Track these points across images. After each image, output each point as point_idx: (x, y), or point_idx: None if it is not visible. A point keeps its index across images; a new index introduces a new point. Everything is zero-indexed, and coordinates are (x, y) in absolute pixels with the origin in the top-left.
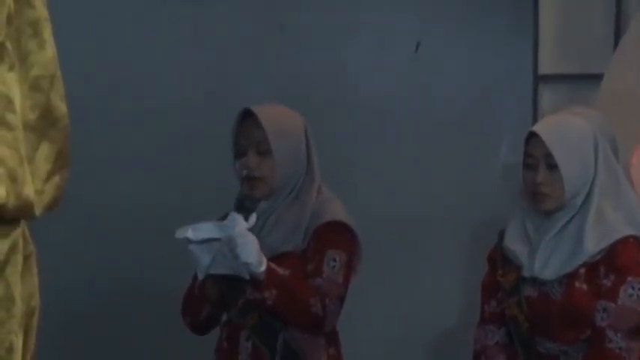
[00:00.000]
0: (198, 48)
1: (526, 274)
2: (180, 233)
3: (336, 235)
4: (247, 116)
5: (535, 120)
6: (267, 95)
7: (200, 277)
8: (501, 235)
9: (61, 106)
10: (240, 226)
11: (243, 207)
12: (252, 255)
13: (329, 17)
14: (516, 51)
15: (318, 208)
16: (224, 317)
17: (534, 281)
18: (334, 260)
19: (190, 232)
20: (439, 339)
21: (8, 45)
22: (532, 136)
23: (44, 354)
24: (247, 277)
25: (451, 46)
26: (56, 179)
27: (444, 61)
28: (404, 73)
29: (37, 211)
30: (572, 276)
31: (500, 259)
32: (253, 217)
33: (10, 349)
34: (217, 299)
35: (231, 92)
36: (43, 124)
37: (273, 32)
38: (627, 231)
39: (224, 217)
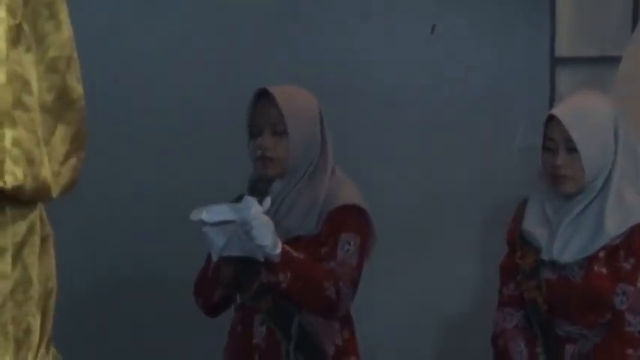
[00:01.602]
0: (209, 34)
1: (545, 257)
2: (194, 215)
3: (350, 219)
4: (263, 96)
5: (552, 103)
6: (278, 82)
7: (214, 258)
8: (516, 217)
9: (77, 88)
10: (255, 208)
11: (257, 190)
12: (268, 237)
13: (341, 0)
14: (533, 33)
15: (333, 190)
16: (237, 301)
17: (553, 264)
18: (348, 244)
19: (205, 214)
20: (455, 322)
21: (25, 27)
22: (551, 119)
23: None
24: (262, 259)
25: (466, 28)
26: (73, 161)
27: (459, 45)
28: (417, 57)
29: (54, 192)
30: (591, 259)
31: (519, 242)
32: (268, 201)
33: (28, 331)
34: (231, 281)
35: (242, 79)
36: (60, 105)
37: (285, 17)
38: None
39: (237, 200)
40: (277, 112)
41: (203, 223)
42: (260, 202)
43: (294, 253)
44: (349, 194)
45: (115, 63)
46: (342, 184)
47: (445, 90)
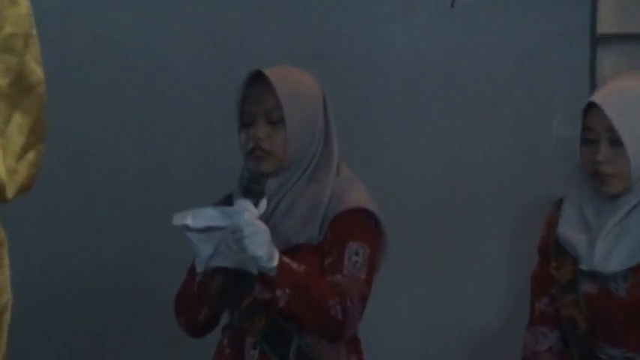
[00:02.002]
0: (195, 4)
1: (584, 267)
2: (178, 219)
3: (358, 225)
4: (256, 80)
5: (593, 87)
6: (280, 56)
7: (199, 269)
8: (549, 221)
9: (36, 71)
10: (248, 213)
11: (251, 192)
12: (262, 247)
13: None
14: (572, 6)
15: (338, 191)
16: (225, 319)
17: (594, 275)
18: (356, 254)
19: (190, 219)
20: (479, 343)
21: None
22: (591, 107)
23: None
24: (256, 272)
25: (492, 0)
26: (31, 156)
27: (486, 18)
28: (439, 32)
29: (10, 193)
30: (638, 270)
31: (553, 250)
32: (263, 204)
33: None
34: (218, 297)
35: (233, 57)
36: (16, 91)
37: None
38: None
39: (225, 201)
40: (273, 98)
41: (187, 228)
42: (255, 205)
43: (294, 265)
44: (357, 196)
45: (93, 33)
46: (349, 183)
47: (469, 70)
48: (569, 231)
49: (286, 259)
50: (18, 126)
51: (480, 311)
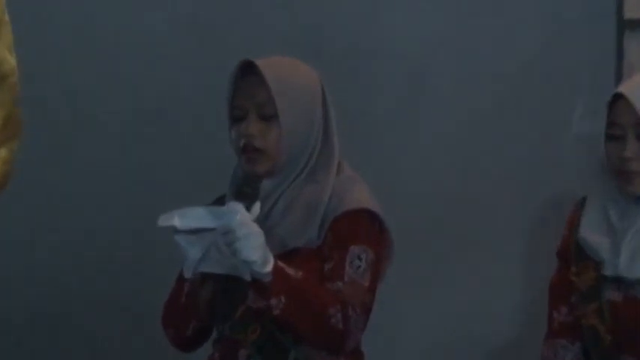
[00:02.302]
0: None
1: (608, 272)
2: (164, 220)
3: (360, 227)
4: (247, 71)
5: (619, 77)
6: (275, 46)
7: (187, 274)
8: (571, 222)
9: (8, 59)
10: (241, 214)
11: (243, 194)
12: (256, 251)
13: None
14: None
15: (338, 191)
16: (217, 330)
17: (619, 282)
18: (359, 259)
19: (177, 220)
20: (492, 356)
21: None
22: (618, 99)
23: None
24: (249, 278)
25: None
26: (3, 152)
27: (501, 3)
28: (447, 19)
29: None
30: None
31: (574, 254)
32: (257, 207)
33: None
34: (208, 307)
35: (226, 48)
36: None
37: None
38: None
39: (217, 203)
40: (265, 91)
41: (175, 230)
42: (248, 209)
43: (290, 271)
44: (359, 196)
45: (71, 32)
46: (351, 182)
47: (483, 59)
48: (592, 234)
49: (282, 265)
50: None
51: (492, 321)
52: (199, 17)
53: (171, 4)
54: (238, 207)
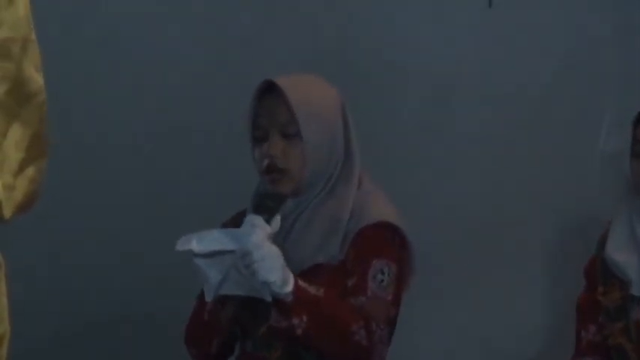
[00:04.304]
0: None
1: (636, 291)
2: (182, 244)
3: (383, 241)
4: (269, 90)
5: None
6: (295, 61)
7: (208, 298)
8: (602, 242)
9: (36, 78)
10: (257, 234)
11: (265, 207)
12: (274, 272)
13: None
14: (621, 3)
15: (360, 205)
16: (240, 349)
17: None
18: (382, 273)
19: (195, 243)
20: None
21: None
22: None
23: None
24: (269, 299)
25: None
26: (30, 171)
27: (527, 19)
28: (474, 34)
29: (7, 212)
30: None
31: (600, 273)
32: (277, 221)
33: None
34: (231, 327)
35: (243, 65)
36: (14, 100)
37: None
38: None
39: (240, 217)
40: (287, 111)
41: (194, 254)
42: (268, 221)
43: (312, 290)
44: (381, 209)
45: (93, 45)
46: (373, 196)
47: (507, 75)
48: (618, 252)
49: (302, 284)
50: (15, 140)
51: (518, 339)
52: (220, 32)
53: (194, 20)
54: (257, 222)
